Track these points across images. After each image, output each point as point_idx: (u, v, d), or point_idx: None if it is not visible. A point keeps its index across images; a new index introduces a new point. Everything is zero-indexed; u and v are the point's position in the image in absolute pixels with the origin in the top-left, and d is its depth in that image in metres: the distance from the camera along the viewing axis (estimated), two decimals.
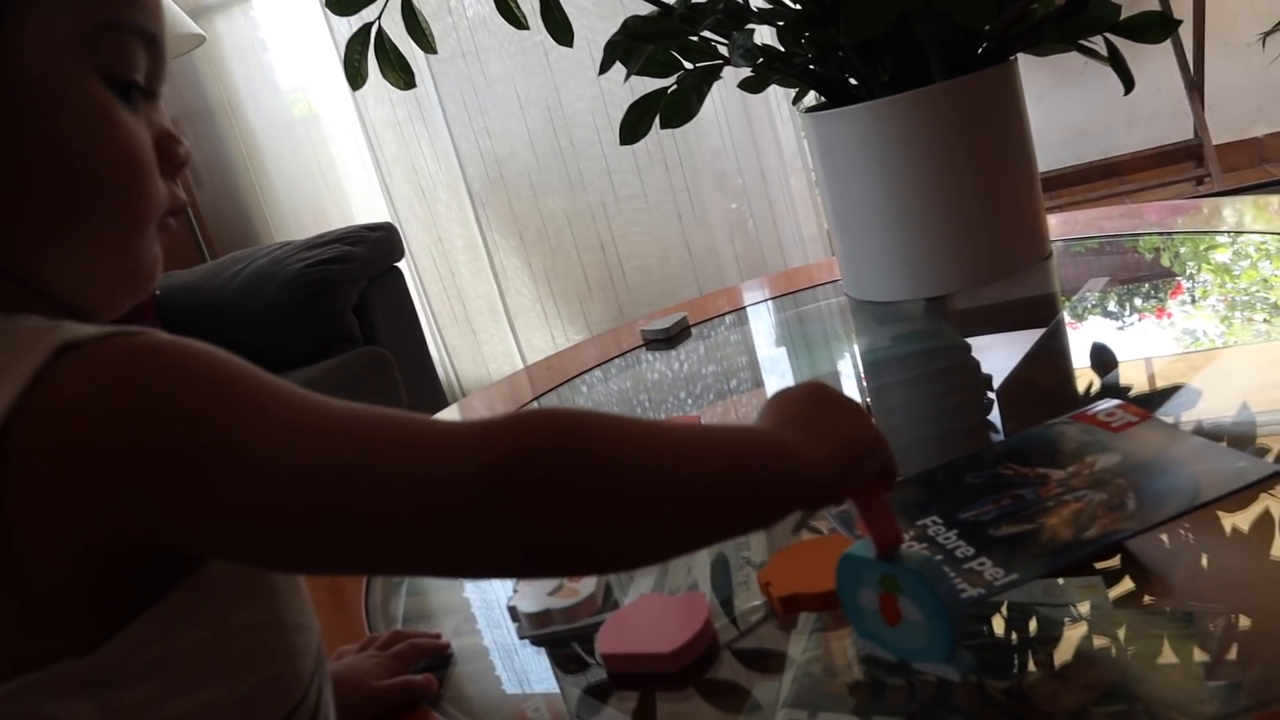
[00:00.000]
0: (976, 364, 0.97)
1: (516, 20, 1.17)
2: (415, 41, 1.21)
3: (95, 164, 0.40)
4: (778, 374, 1.14)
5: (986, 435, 0.81)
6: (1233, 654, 0.49)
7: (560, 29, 1.15)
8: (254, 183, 3.12)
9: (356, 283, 2.21)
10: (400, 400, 2.20)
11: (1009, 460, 0.67)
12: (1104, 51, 0.99)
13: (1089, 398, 0.78)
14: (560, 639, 0.63)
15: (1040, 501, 0.61)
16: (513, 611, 0.66)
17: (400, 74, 1.24)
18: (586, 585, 0.65)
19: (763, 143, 2.65)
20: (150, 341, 0.36)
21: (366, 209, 3.04)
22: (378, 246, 2.31)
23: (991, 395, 0.87)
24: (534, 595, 0.65)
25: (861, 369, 1.06)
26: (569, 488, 0.36)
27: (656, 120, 1.10)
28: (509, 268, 2.95)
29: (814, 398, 0.49)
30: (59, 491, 0.33)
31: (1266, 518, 0.57)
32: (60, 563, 0.34)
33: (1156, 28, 0.94)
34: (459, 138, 2.83)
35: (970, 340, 1.01)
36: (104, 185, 0.41)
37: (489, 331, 3.03)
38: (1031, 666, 0.52)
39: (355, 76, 1.22)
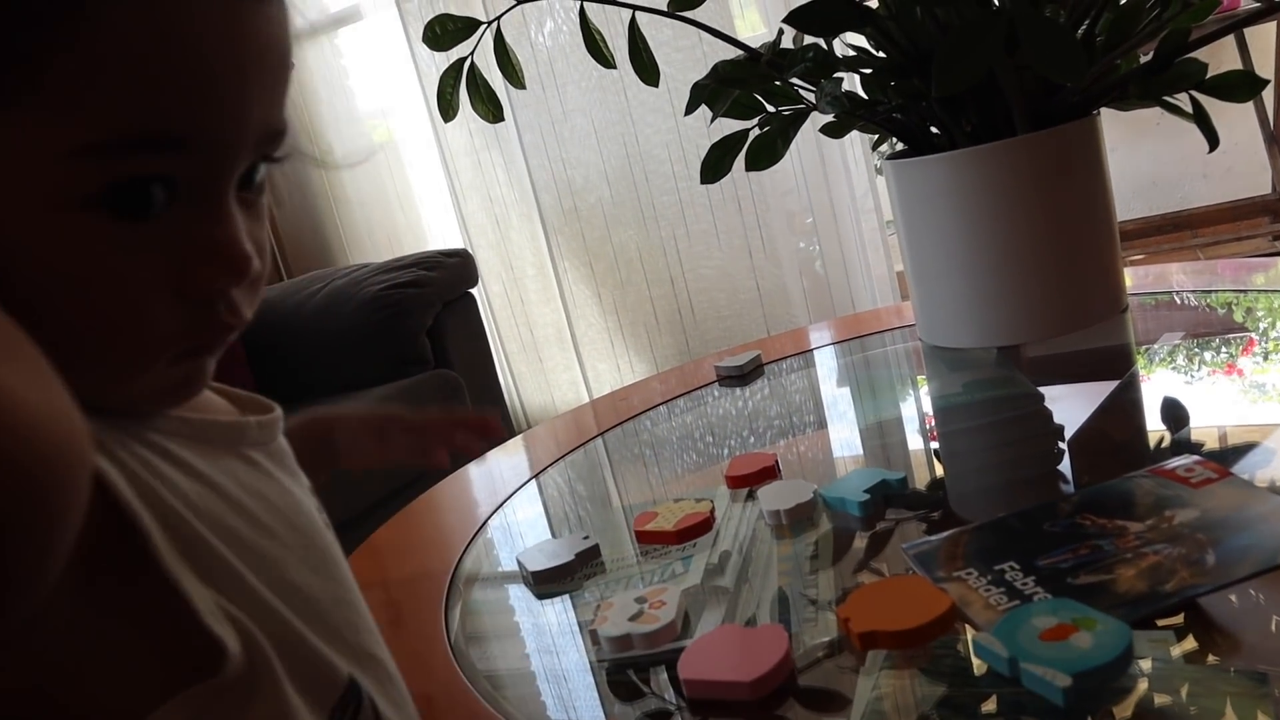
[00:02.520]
0: (1049, 414, 0.98)
1: (606, 61, 1.20)
2: (506, 77, 1.26)
3: (68, 305, 0.34)
4: (847, 415, 1.16)
5: (1057, 486, 0.81)
6: None
7: (647, 70, 1.19)
8: (331, 204, 3.21)
9: (432, 307, 2.26)
10: None
11: (1087, 510, 0.68)
12: (1188, 108, 1.00)
13: (1161, 453, 0.79)
14: (640, 663, 0.65)
15: (1119, 553, 0.62)
16: (593, 635, 0.68)
17: (489, 107, 1.28)
18: (667, 612, 0.67)
19: (835, 184, 2.67)
20: None
21: (440, 233, 3.11)
22: (454, 272, 2.37)
23: (1063, 446, 0.88)
24: (616, 620, 0.67)
25: (932, 414, 1.07)
26: None
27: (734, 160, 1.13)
28: (579, 297, 2.99)
29: None
30: None
31: None
32: None
33: (1244, 87, 0.95)
34: (535, 167, 2.89)
35: (1042, 390, 1.02)
36: (78, 328, 0.35)
37: (555, 360, 3.07)
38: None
39: (447, 109, 1.27)
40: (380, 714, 0.46)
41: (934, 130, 1.11)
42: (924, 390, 1.14)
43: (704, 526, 0.81)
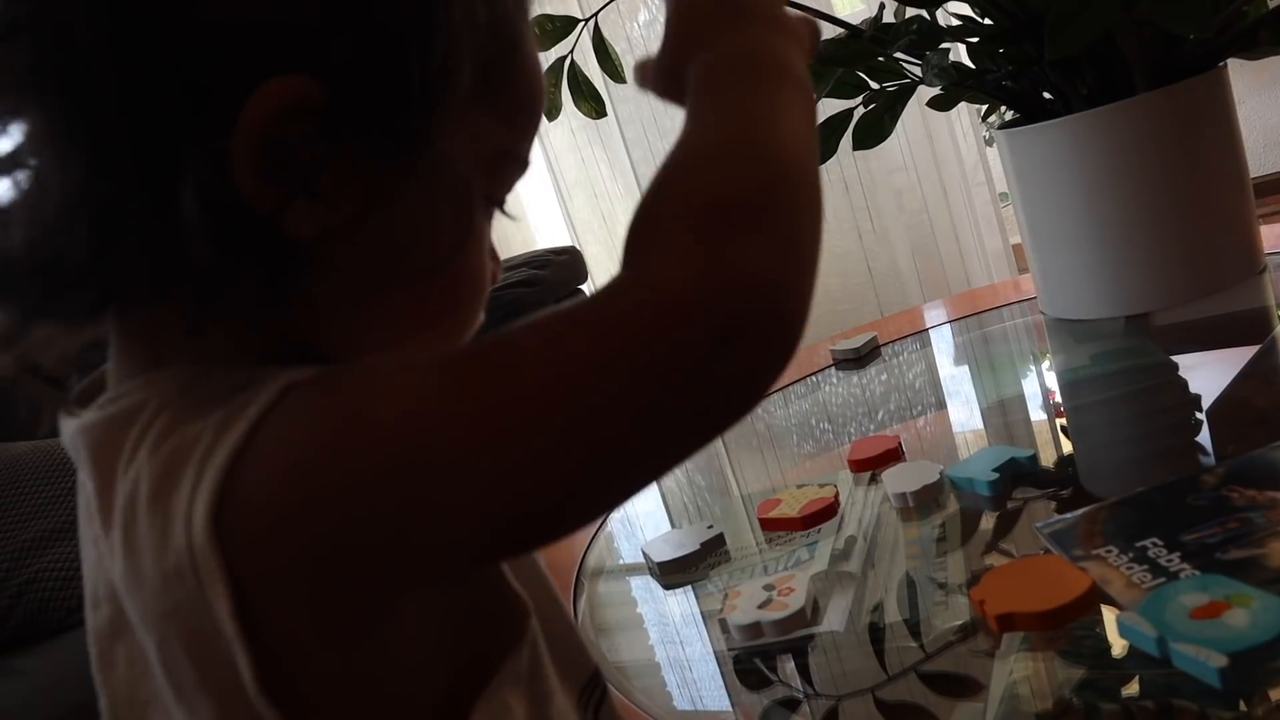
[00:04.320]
0: (1184, 383, 0.93)
1: None
2: (606, 72, 1.26)
3: (458, 290, 0.40)
4: (968, 394, 1.13)
5: (1196, 458, 0.78)
6: None
7: None
8: None
9: (544, 305, 2.29)
10: None
11: (1233, 483, 0.65)
12: None
13: None
14: (770, 651, 0.65)
15: (1271, 526, 0.59)
16: (722, 624, 0.68)
17: (592, 104, 1.29)
18: (796, 599, 0.66)
19: (943, 158, 2.61)
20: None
21: (548, 232, 3.14)
22: (564, 270, 2.39)
23: (1200, 416, 0.84)
24: (745, 608, 0.67)
25: (1059, 389, 1.04)
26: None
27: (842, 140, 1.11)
28: None
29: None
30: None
31: None
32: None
33: None
34: (638, 160, 2.90)
35: (1175, 359, 0.98)
36: (458, 312, 0.41)
37: None
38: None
39: (551, 108, 1.28)
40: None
41: (1047, 96, 1.08)
42: (1048, 365, 1.11)
43: (829, 512, 0.80)
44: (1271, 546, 0.57)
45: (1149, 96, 0.96)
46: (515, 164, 0.41)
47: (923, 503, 0.77)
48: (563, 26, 1.16)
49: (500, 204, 0.42)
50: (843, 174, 2.68)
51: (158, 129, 0.32)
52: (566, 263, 2.42)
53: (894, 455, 0.88)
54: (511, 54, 0.39)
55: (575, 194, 3.03)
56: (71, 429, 0.36)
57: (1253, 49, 0.96)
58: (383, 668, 0.34)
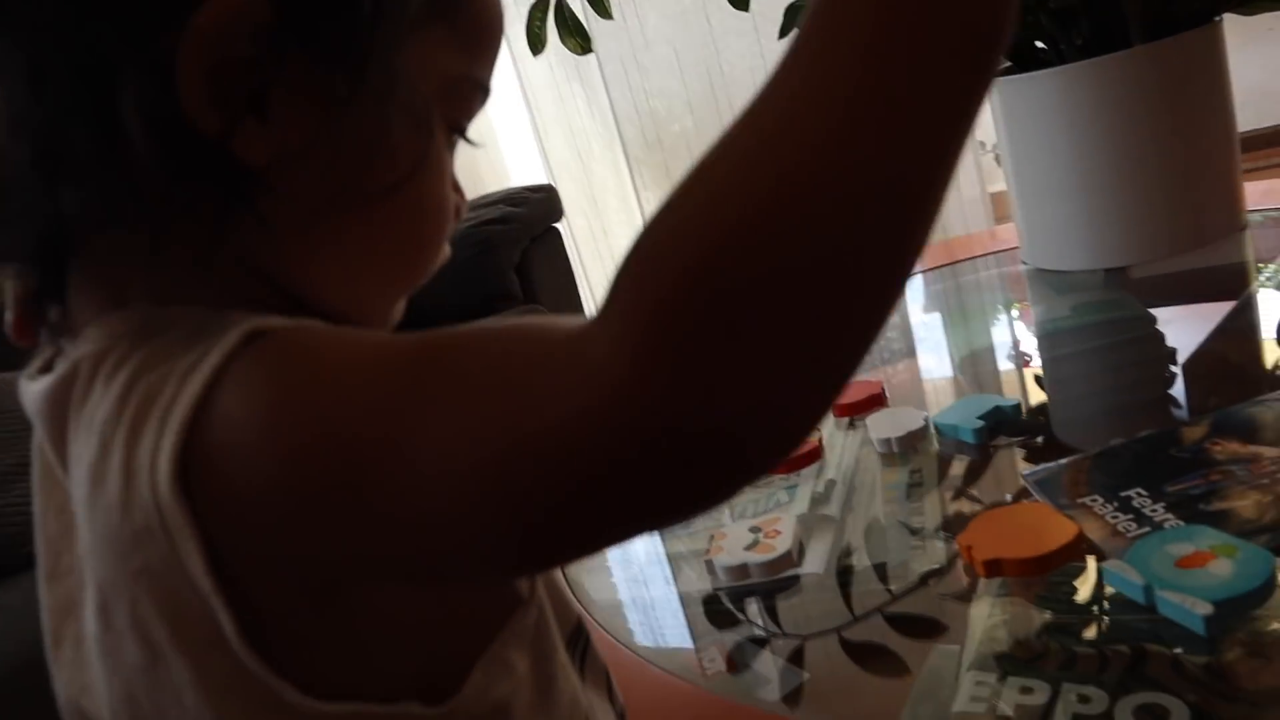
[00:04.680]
0: (1161, 337, 0.94)
1: None
2: (594, 9, 1.24)
3: (418, 218, 0.39)
4: (944, 342, 1.13)
5: (1169, 411, 0.79)
6: None
7: None
8: None
9: (519, 243, 2.27)
10: None
11: (1216, 436, 0.66)
12: None
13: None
14: (757, 591, 0.65)
15: (1253, 479, 0.60)
16: (709, 565, 0.68)
17: (578, 39, 1.27)
18: (783, 541, 0.67)
19: None
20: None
21: (522, 169, 3.11)
22: (539, 207, 2.37)
23: (1175, 370, 0.85)
24: (731, 550, 0.68)
25: (1038, 339, 1.04)
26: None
27: None
28: None
29: None
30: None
31: None
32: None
33: None
34: (617, 98, 2.86)
35: (1153, 312, 0.99)
36: (418, 242, 0.40)
37: None
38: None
39: (536, 43, 1.26)
40: None
41: (1040, 45, 1.07)
42: (1017, 315, 1.11)
43: (813, 455, 0.80)
44: (1253, 498, 0.58)
45: (1144, 49, 0.96)
46: (475, 90, 0.40)
47: (907, 448, 0.78)
48: None
49: (462, 132, 0.41)
50: None
51: (99, 43, 0.31)
52: (543, 200, 2.40)
53: (878, 400, 0.88)
54: None
55: (551, 131, 3.00)
56: (34, 393, 0.35)
57: (1249, 3, 0.95)
58: (372, 624, 0.34)
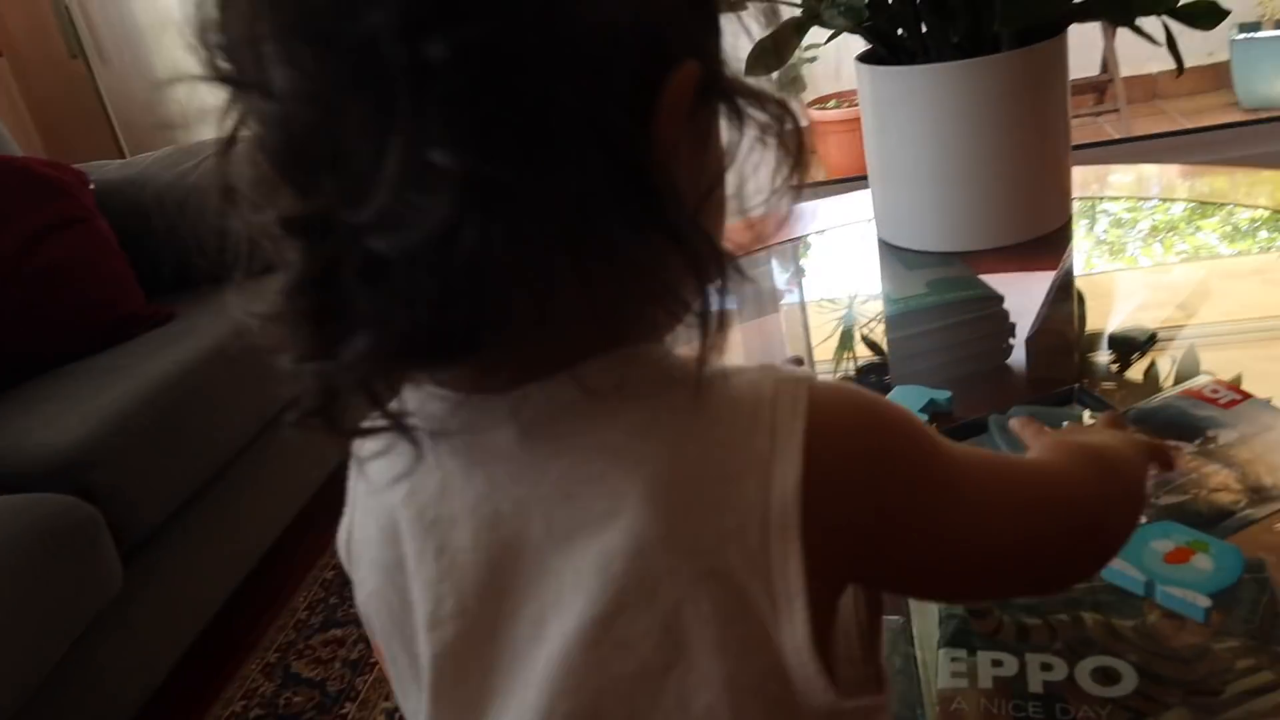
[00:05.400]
0: (1005, 314, 1.04)
1: None
2: None
3: (724, 207, 0.43)
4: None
5: (1012, 382, 0.90)
6: None
7: None
8: None
9: None
10: None
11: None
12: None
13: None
14: None
15: (1185, 473, 0.69)
16: None
17: None
18: None
19: None
20: (871, 402, 0.40)
21: None
22: None
23: (1013, 343, 0.96)
24: None
25: (888, 313, 1.11)
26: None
27: None
28: None
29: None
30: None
31: None
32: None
33: (1209, 15, 1.01)
34: None
35: (987, 278, 1.08)
36: (723, 228, 0.44)
37: None
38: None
39: None
40: None
41: (900, 32, 1.12)
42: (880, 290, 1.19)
43: None
44: (1194, 493, 0.67)
45: (1014, 54, 1.04)
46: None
47: None
48: None
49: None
50: None
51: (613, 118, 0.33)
52: None
53: None
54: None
55: None
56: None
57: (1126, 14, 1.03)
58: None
